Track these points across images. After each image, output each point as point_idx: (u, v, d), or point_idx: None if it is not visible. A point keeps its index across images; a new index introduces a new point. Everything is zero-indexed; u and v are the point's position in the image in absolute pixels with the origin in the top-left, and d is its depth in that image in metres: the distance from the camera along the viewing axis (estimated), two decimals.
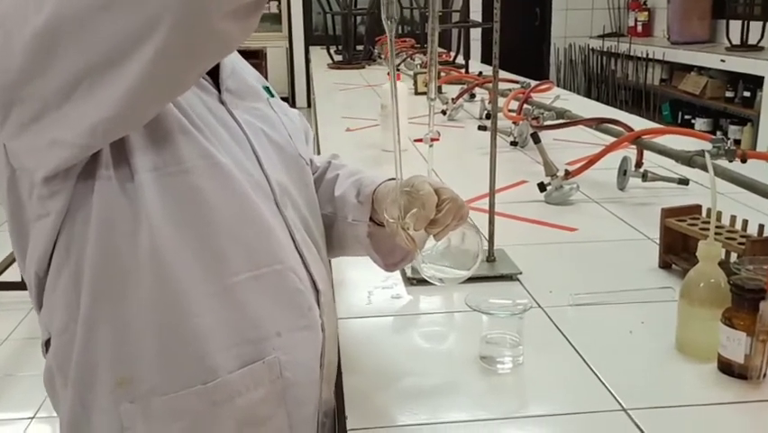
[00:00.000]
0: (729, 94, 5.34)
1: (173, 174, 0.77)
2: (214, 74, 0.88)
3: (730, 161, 1.47)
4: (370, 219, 0.98)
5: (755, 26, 5.30)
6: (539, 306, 1.13)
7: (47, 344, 0.84)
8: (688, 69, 5.80)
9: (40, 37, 0.63)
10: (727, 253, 1.14)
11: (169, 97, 0.73)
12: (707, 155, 1.12)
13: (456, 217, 0.89)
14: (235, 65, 0.93)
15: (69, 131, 0.68)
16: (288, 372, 0.84)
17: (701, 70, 5.63)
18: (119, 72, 0.64)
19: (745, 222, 1.19)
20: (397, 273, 1.27)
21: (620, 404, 0.86)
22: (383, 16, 0.81)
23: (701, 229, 1.19)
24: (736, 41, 5.40)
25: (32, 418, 2.51)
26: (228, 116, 0.87)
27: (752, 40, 5.31)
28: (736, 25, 5.44)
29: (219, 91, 0.88)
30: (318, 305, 0.89)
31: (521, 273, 1.24)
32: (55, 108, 0.66)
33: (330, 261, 1.15)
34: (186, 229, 0.78)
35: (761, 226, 1.15)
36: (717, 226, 1.02)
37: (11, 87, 0.67)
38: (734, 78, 5.24)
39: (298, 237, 0.88)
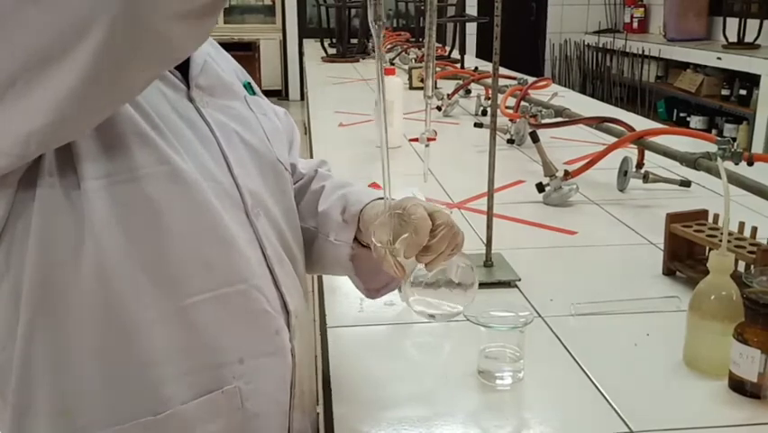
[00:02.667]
0: (725, 92, 5.31)
1: (124, 182, 0.69)
2: (183, 68, 0.79)
3: (736, 164, 1.43)
4: (355, 240, 0.91)
5: (752, 24, 5.26)
6: (539, 315, 1.08)
7: None
8: (684, 66, 5.77)
9: None
10: (735, 262, 1.09)
11: (113, 104, 0.65)
12: (719, 160, 1.07)
13: (451, 246, 0.81)
14: (210, 58, 0.85)
15: (1, 139, 0.60)
16: (249, 402, 0.77)
17: (697, 68, 5.60)
18: (54, 73, 0.56)
19: (755, 229, 1.14)
20: None
21: (627, 425, 0.81)
22: (369, 18, 0.73)
23: (708, 236, 1.14)
24: (733, 38, 5.36)
25: None
26: (196, 116, 0.78)
27: (748, 38, 5.27)
28: (732, 23, 5.41)
29: (188, 87, 0.79)
30: (289, 327, 0.81)
31: (520, 280, 1.19)
32: None
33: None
34: (136, 244, 0.70)
35: None
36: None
37: None
38: (730, 76, 5.21)
39: (270, 252, 0.80)
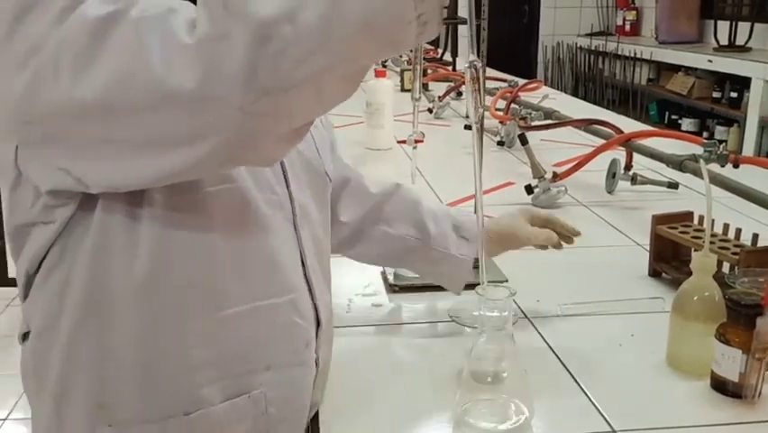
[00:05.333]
0: (716, 94, 5.32)
1: (186, 193, 0.70)
2: None
3: (722, 166, 1.44)
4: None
5: (743, 27, 5.28)
6: (525, 316, 1.09)
7: (24, 336, 0.79)
8: (675, 68, 5.78)
9: (84, 108, 0.60)
10: (719, 263, 1.10)
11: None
12: (701, 162, 1.08)
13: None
14: None
15: (87, 177, 0.66)
16: (274, 408, 0.78)
17: (689, 70, 5.61)
18: (153, 159, 0.62)
19: (739, 230, 1.15)
20: (379, 280, 1.23)
21: (609, 425, 0.82)
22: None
23: (693, 237, 1.15)
24: (724, 41, 5.38)
25: (4, 419, 2.45)
26: None
27: (739, 40, 5.30)
28: (723, 26, 5.43)
29: None
30: (317, 338, 0.83)
31: (507, 281, 1.20)
32: (79, 151, 0.64)
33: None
34: (187, 258, 0.72)
35: (755, 236, 1.11)
36: (710, 236, 0.98)
37: (34, 118, 0.64)
38: (721, 79, 5.23)
39: (309, 262, 0.82)
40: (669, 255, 1.22)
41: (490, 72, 2.55)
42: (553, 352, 0.99)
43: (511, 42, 7.00)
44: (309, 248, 0.83)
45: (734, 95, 5.06)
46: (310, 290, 0.82)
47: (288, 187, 0.80)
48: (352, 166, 1.07)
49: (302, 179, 0.84)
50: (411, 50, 1.08)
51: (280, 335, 0.79)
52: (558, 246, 1.07)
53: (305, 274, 0.82)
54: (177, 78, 0.56)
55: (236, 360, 0.76)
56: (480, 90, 0.76)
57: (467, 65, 0.74)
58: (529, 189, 1.66)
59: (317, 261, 0.85)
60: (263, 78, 0.56)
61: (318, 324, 0.83)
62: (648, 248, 1.25)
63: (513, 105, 2.27)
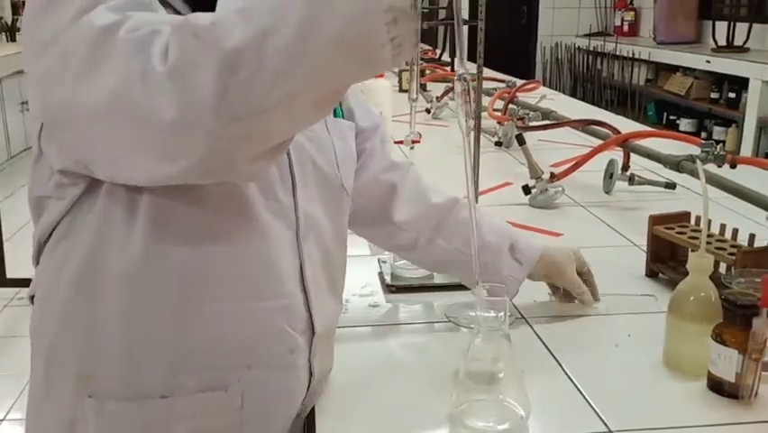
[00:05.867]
0: (714, 95, 5.33)
1: (186, 187, 0.71)
2: None
3: (719, 167, 1.44)
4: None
5: (741, 27, 5.29)
6: (522, 317, 1.09)
7: (32, 299, 0.84)
8: (673, 69, 5.79)
9: (83, 111, 0.65)
10: (716, 263, 1.10)
11: None
12: (698, 162, 1.08)
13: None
14: None
15: (92, 165, 0.71)
16: (249, 406, 0.79)
17: (687, 71, 5.61)
18: (145, 165, 0.66)
19: (735, 231, 1.15)
20: (376, 280, 1.23)
21: (606, 425, 0.82)
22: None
23: (690, 238, 1.15)
24: (722, 42, 5.38)
25: (2, 420, 2.45)
26: None
27: (737, 41, 5.30)
28: (722, 26, 5.43)
29: None
30: (311, 346, 0.84)
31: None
32: (86, 143, 0.69)
33: None
34: (179, 250, 0.75)
35: (752, 236, 1.11)
36: (707, 236, 0.98)
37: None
38: (719, 79, 5.23)
39: (309, 273, 0.83)
40: (666, 256, 1.22)
41: (488, 73, 2.55)
42: (550, 352, 0.99)
43: (509, 43, 7.00)
44: (312, 260, 0.83)
45: (732, 95, 5.06)
46: (307, 298, 0.83)
47: (294, 196, 0.81)
48: (408, 165, 1.08)
49: (313, 191, 0.84)
50: None
51: (265, 337, 0.80)
52: (586, 304, 1.10)
53: (302, 283, 0.82)
54: (154, 105, 0.60)
55: (218, 354, 0.78)
56: (471, 102, 0.76)
57: (456, 78, 0.74)
58: (527, 190, 1.66)
59: (324, 271, 0.86)
60: (233, 105, 0.58)
61: (313, 333, 0.83)
62: (645, 248, 1.25)
63: (511, 106, 2.27)
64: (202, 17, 0.59)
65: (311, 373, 0.84)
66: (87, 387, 0.77)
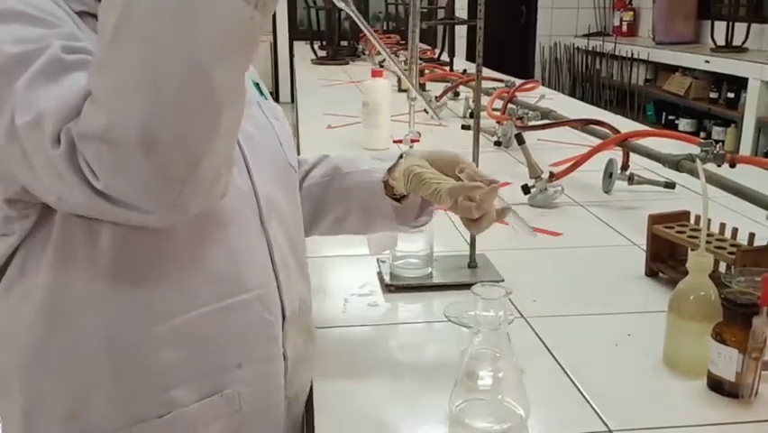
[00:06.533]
0: (713, 95, 5.33)
1: None
2: None
3: (719, 166, 1.43)
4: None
5: (740, 27, 5.29)
6: (522, 316, 1.09)
7: None
8: (672, 69, 5.79)
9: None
10: (716, 263, 1.10)
11: None
12: (698, 162, 1.07)
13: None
14: None
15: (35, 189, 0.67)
16: (247, 405, 0.79)
17: (686, 71, 5.62)
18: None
19: (735, 230, 1.15)
20: (375, 280, 1.22)
21: (606, 425, 0.82)
22: None
23: (690, 237, 1.15)
24: (721, 41, 5.39)
25: None
26: None
27: (736, 41, 5.31)
28: (720, 26, 5.44)
29: None
30: (283, 330, 0.83)
31: (503, 281, 1.19)
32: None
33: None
34: (149, 259, 0.72)
35: (751, 235, 1.11)
36: (706, 235, 0.98)
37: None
38: (718, 79, 5.24)
39: (278, 258, 0.82)
40: (665, 255, 1.22)
41: (487, 72, 2.55)
42: (549, 351, 0.98)
43: (508, 43, 7.00)
44: (278, 243, 0.82)
45: (731, 95, 5.07)
46: (278, 284, 0.82)
47: (251, 179, 0.80)
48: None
49: (266, 173, 0.83)
50: (408, 51, 1.07)
51: (251, 331, 0.79)
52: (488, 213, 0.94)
53: (273, 269, 0.81)
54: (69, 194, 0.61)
55: (207, 359, 0.76)
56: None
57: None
58: (526, 189, 1.66)
59: (290, 254, 0.85)
60: (173, 183, 0.59)
61: (284, 317, 0.83)
62: (645, 248, 1.25)
63: (510, 105, 2.27)
64: (91, 119, 0.58)
65: (285, 358, 0.83)
66: (77, 425, 0.73)
